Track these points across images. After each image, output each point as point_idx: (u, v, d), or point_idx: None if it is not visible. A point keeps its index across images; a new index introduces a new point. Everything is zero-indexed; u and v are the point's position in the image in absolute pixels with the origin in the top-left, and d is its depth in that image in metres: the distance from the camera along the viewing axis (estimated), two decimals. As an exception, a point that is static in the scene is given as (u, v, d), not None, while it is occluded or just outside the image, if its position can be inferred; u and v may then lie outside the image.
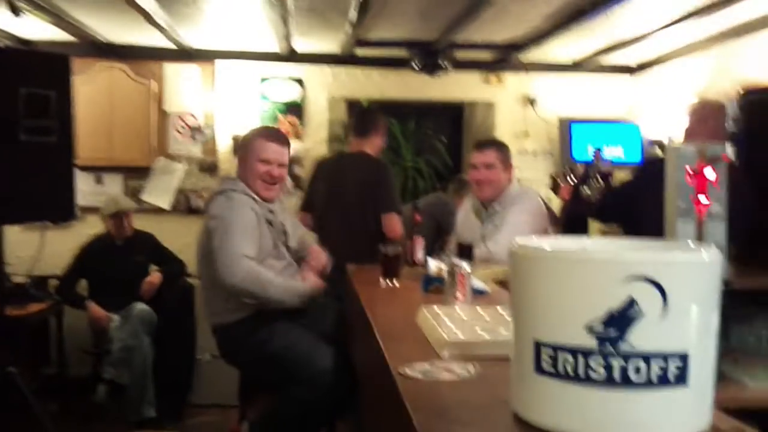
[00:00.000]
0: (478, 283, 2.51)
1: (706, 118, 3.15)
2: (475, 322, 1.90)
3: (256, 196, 3.13)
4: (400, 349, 1.77)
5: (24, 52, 4.62)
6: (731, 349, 2.54)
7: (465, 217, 3.66)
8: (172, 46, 5.23)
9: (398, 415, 1.37)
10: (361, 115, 4.25)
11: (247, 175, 3.18)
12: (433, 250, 3.34)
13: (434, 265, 2.75)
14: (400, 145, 5.63)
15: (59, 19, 4.42)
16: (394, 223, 3.79)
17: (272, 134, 3.30)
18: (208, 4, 4.12)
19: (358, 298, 2.67)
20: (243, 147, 3.29)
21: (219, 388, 4.67)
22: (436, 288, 2.61)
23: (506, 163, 3.50)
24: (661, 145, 5.15)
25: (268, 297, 2.98)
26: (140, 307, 4.47)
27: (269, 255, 3.12)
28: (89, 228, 5.05)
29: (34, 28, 4.66)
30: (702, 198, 2.11)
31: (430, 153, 5.84)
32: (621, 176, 3.69)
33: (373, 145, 4.03)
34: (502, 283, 2.79)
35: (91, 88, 5.32)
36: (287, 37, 4.95)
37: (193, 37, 5.07)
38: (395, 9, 4.24)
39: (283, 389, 3.05)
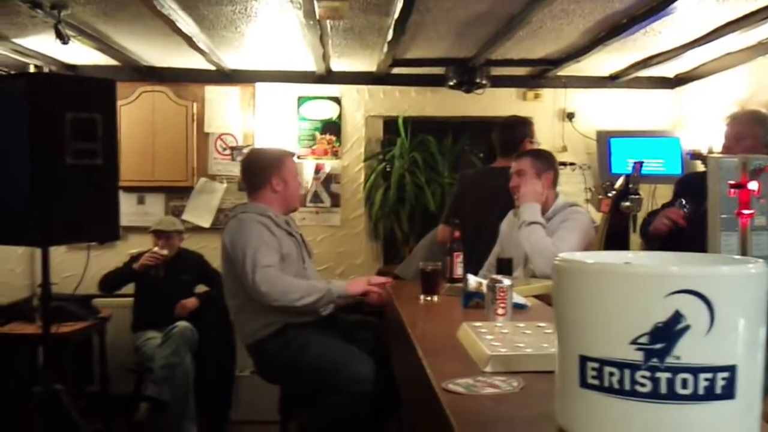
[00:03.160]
0: (518, 298, 2.51)
1: (742, 135, 3.09)
2: (516, 336, 1.90)
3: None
4: (442, 364, 1.77)
5: (70, 77, 4.75)
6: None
7: (509, 230, 3.60)
8: (213, 69, 5.32)
9: (442, 430, 1.37)
10: (504, 134, 4.12)
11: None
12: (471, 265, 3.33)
13: (474, 280, 2.75)
14: (437, 161, 5.64)
15: (103, 44, 4.53)
16: None
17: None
18: (248, 27, 4.19)
19: (398, 314, 2.68)
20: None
21: (259, 404, 4.70)
22: (475, 303, 2.61)
23: (540, 171, 3.41)
24: (701, 158, 5.08)
25: (291, 300, 3.12)
26: (182, 324, 4.52)
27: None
28: (131, 247, 5.15)
29: (79, 53, 4.78)
30: (745, 210, 2.08)
31: (467, 169, 5.83)
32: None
33: None
34: (542, 298, 2.78)
35: (134, 111, 5.43)
36: (325, 58, 5.01)
37: (233, 59, 5.15)
38: (432, 29, 4.27)
39: (322, 400, 3.07)
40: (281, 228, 3.33)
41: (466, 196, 4.02)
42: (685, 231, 2.97)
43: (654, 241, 3.20)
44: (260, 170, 3.48)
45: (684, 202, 3.06)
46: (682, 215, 3.02)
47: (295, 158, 3.63)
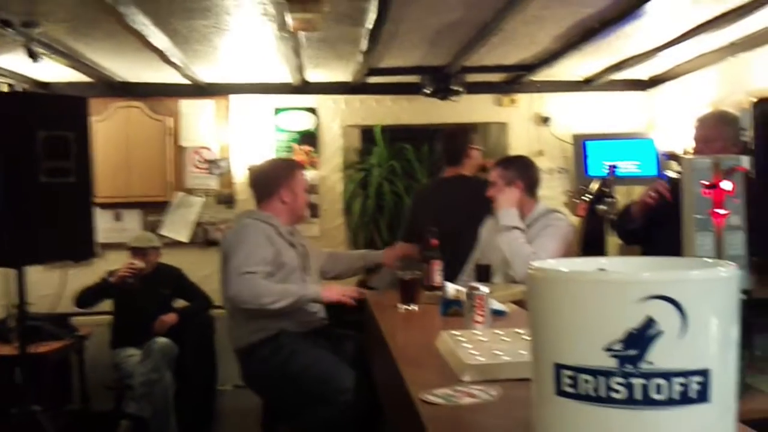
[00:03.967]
0: (496, 305, 2.51)
1: (711, 138, 3.11)
2: (494, 344, 1.89)
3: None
4: (420, 374, 1.77)
5: (42, 95, 4.71)
6: (755, 360, 2.50)
7: (488, 236, 3.61)
8: (187, 83, 5.30)
9: (421, 441, 1.36)
10: (448, 143, 4.22)
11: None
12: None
13: (452, 288, 2.75)
14: (415, 169, 5.65)
15: (76, 61, 4.50)
16: None
17: None
18: (221, 41, 4.18)
19: (377, 323, 2.67)
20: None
21: (241, 419, 4.68)
22: (454, 311, 2.61)
23: (510, 180, 3.45)
24: (676, 158, 5.12)
25: (263, 303, 3.09)
26: (161, 340, 4.48)
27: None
28: (109, 265, 5.09)
29: (51, 70, 4.74)
30: (719, 210, 2.10)
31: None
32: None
33: (469, 166, 4.09)
34: (521, 303, 2.78)
35: (108, 127, 5.39)
36: (299, 69, 5.00)
37: (207, 72, 5.13)
38: (405, 37, 4.27)
39: (306, 410, 3.07)
40: (283, 238, 3.35)
41: (422, 213, 4.04)
42: (670, 205, 2.98)
43: (638, 219, 3.22)
44: (270, 180, 3.51)
45: (669, 177, 3.09)
46: (668, 188, 3.04)
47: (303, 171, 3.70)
